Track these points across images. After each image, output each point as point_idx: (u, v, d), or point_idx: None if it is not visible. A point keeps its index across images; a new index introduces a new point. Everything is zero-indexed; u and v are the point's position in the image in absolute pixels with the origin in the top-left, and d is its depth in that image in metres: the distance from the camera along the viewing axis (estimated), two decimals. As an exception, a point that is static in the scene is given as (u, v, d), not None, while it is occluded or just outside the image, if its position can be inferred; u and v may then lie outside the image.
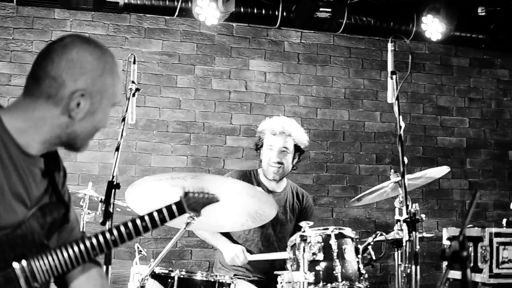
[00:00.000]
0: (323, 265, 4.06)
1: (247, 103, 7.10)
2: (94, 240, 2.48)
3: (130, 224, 2.59)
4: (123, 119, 4.02)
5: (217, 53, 7.09)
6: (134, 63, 4.27)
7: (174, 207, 2.74)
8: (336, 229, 4.19)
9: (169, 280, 4.02)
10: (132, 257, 4.19)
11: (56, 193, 2.54)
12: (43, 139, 2.43)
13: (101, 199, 4.45)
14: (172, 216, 2.72)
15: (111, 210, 3.57)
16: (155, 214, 2.67)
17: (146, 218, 2.63)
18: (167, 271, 4.05)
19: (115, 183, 3.66)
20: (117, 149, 3.90)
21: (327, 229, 4.18)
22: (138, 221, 2.61)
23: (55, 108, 2.39)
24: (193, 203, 2.85)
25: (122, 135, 3.95)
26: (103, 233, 2.52)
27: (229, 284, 4.13)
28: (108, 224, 3.56)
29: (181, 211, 2.77)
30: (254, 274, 5.06)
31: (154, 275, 4.02)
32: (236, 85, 7.10)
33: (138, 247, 4.13)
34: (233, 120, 7.03)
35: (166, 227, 6.32)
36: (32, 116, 2.40)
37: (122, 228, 2.57)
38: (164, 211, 2.70)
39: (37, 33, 6.59)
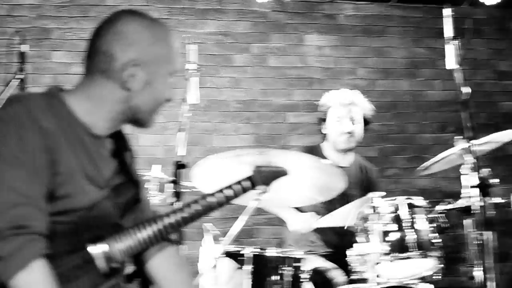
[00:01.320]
0: (395, 235, 4.02)
1: (305, 79, 7.06)
2: (168, 219, 2.49)
3: (202, 201, 2.59)
4: (184, 100, 4.03)
5: (272, 30, 7.06)
6: (190, 44, 4.27)
7: (246, 182, 2.74)
8: (407, 198, 4.16)
9: (242, 258, 4.02)
10: (201, 237, 4.20)
11: (127, 173, 2.55)
12: (108, 117, 2.44)
13: (169, 180, 4.48)
14: (245, 190, 2.72)
15: (180, 190, 3.58)
16: (228, 189, 2.66)
17: (218, 193, 2.63)
18: (239, 249, 4.06)
19: (182, 163, 3.66)
20: (181, 130, 3.91)
21: (398, 199, 4.15)
22: (209, 198, 2.61)
23: (112, 83, 2.41)
24: (264, 177, 2.85)
25: (185, 115, 3.95)
26: (175, 212, 2.52)
27: (299, 259, 4.12)
28: (177, 204, 3.57)
29: (254, 185, 2.77)
30: (324, 248, 5.04)
31: (226, 254, 4.04)
32: (293, 61, 7.07)
33: (208, 227, 4.14)
34: (292, 96, 7.00)
35: (234, 206, 6.31)
36: (93, 95, 2.42)
37: (194, 206, 2.57)
38: (237, 185, 2.69)
39: (91, 20, 6.61)
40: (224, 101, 6.80)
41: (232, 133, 6.80)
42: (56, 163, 2.25)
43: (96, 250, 2.34)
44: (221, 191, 2.66)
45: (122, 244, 2.38)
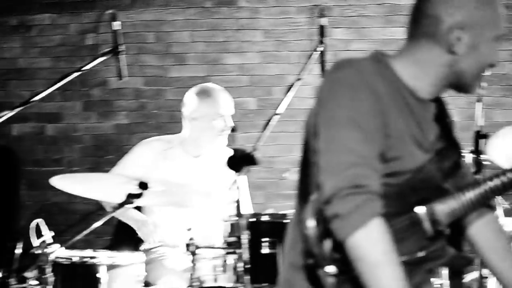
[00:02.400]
0: None
1: None
2: (491, 182, 2.47)
3: None
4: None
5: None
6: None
7: None
8: None
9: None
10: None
11: (449, 138, 2.57)
12: (432, 81, 2.46)
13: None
14: None
15: (480, 160, 3.56)
16: None
17: None
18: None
19: (483, 133, 3.63)
20: (479, 100, 3.87)
21: None
22: None
23: (436, 47, 2.41)
24: None
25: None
26: (498, 175, 2.50)
27: None
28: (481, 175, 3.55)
29: None
30: None
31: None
32: None
33: (498, 200, 4.08)
34: None
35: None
36: (418, 59, 2.45)
37: None
38: None
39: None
40: (506, 75, 6.59)
41: (512, 108, 6.59)
42: (387, 125, 2.30)
43: (423, 212, 2.38)
44: None
45: (447, 207, 2.40)
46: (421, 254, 2.37)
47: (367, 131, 2.26)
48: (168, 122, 6.63)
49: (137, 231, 4.63)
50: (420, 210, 2.38)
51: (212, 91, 4.71)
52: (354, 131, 2.25)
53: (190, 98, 4.74)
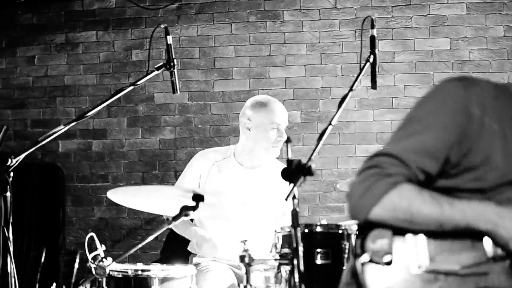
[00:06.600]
0: None
1: None
2: None
3: None
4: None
5: None
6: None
7: None
8: None
9: None
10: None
11: None
12: None
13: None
14: None
15: None
16: None
17: None
18: None
19: None
20: None
21: None
22: None
23: None
24: None
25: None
26: None
27: None
28: None
29: None
30: None
31: None
32: None
33: None
34: None
35: None
36: None
37: None
38: None
39: (415, 8, 6.65)
40: None
41: None
42: (471, 151, 2.29)
43: None
44: None
45: None
46: None
47: (436, 135, 2.28)
48: (214, 137, 6.68)
49: (197, 247, 4.63)
50: None
51: (267, 102, 4.70)
52: (428, 131, 2.29)
53: (245, 109, 4.74)
